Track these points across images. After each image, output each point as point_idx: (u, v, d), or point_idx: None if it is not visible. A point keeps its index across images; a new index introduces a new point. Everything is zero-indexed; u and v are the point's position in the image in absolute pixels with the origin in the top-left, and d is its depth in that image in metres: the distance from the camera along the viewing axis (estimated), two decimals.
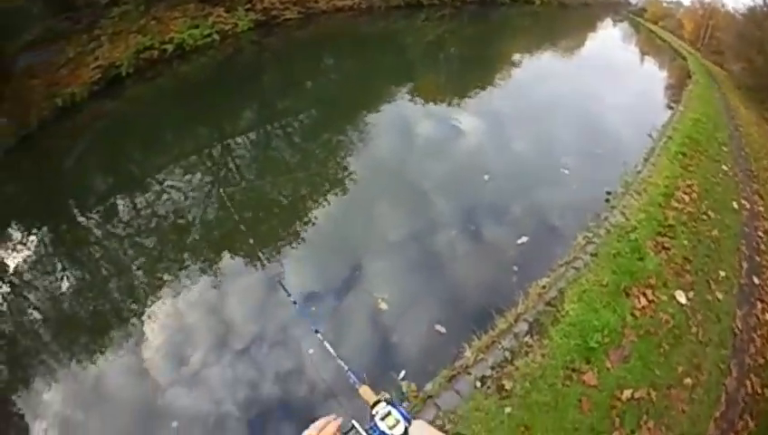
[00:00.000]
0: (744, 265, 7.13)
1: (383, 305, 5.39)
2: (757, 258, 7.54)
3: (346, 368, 2.03)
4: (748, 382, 5.05)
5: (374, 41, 22.83)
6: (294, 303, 2.85)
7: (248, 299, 5.72)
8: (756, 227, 8.52)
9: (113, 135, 10.72)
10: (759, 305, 6.38)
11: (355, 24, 24.22)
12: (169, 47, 14.75)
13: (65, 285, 6.11)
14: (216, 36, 16.75)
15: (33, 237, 7.18)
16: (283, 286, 4.51)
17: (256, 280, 6.00)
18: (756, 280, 6.89)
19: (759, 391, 5.03)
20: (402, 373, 4.33)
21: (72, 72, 12.07)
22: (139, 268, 6.26)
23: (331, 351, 2.14)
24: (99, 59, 12.70)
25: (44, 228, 7.41)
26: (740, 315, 5.94)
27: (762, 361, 5.47)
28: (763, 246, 7.97)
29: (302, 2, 22.26)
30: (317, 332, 2.35)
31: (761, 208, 9.46)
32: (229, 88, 13.75)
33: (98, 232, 7.24)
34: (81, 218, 7.61)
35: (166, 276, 6.01)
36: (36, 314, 5.78)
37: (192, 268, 6.13)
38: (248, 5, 19.25)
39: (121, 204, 7.88)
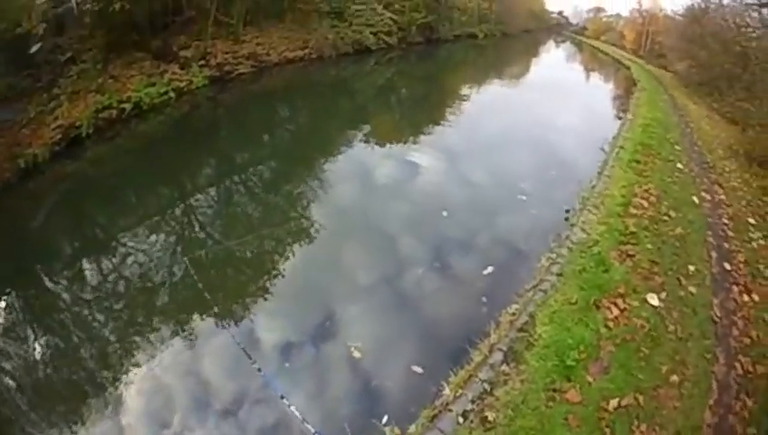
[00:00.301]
0: (714, 254, 7.46)
1: (357, 354, 5.51)
2: (726, 245, 7.89)
3: (313, 431, 2.21)
4: (738, 364, 5.24)
5: (327, 89, 23.87)
6: (259, 371, 3.02)
7: (221, 361, 5.73)
8: (720, 216, 8.94)
9: (77, 197, 10.75)
10: (735, 289, 6.64)
11: (307, 74, 25.25)
12: (127, 106, 15.00)
13: (38, 352, 6.09)
14: (171, 94, 17.13)
15: (1, 303, 7.12)
16: (247, 353, 4.62)
17: (228, 342, 5.97)
18: (728, 266, 7.20)
19: (751, 369, 5.22)
20: (385, 419, 4.42)
21: (33, 131, 12.09)
22: (109, 334, 6.28)
23: (297, 415, 2.33)
24: (59, 118, 12.78)
25: (13, 293, 7.37)
26: (717, 303, 6.20)
27: (747, 341, 5.67)
28: (730, 232, 8.34)
29: (255, 56, 23.31)
30: (283, 398, 2.53)
31: (722, 197, 9.94)
32: (188, 145, 14.12)
33: (66, 297, 7.25)
34: (49, 284, 7.60)
35: (136, 343, 6.03)
36: (11, 383, 5.72)
37: (162, 333, 6.16)
38: (202, 62, 20.03)
39: (88, 268, 7.92)
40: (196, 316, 6.43)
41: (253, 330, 6.18)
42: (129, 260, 7.99)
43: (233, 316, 6.42)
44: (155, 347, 5.94)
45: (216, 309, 6.51)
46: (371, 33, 31.39)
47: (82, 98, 13.98)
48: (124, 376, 5.55)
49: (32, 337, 6.42)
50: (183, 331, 6.18)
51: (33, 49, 13.11)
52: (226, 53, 21.85)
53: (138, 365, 5.67)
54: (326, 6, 29.31)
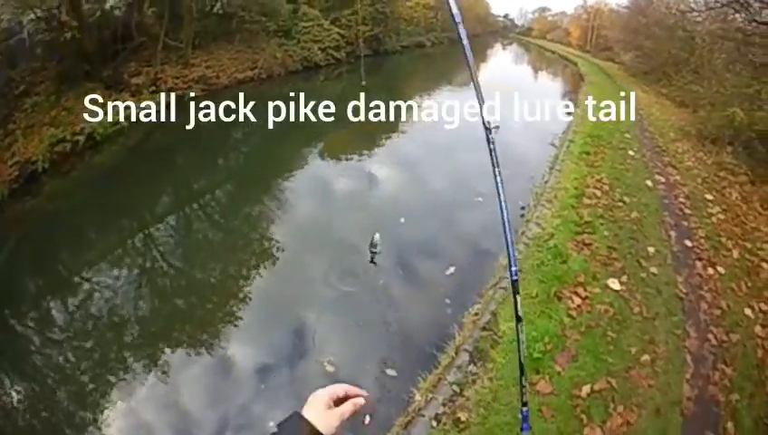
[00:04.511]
0: (673, 233, 7.97)
1: (330, 368, 5.69)
2: (685, 223, 8.44)
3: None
4: (711, 336, 5.61)
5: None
6: None
7: (197, 388, 5.88)
8: (676, 196, 9.56)
9: (38, 236, 10.63)
10: (699, 264, 7.11)
11: (258, 93, 25.49)
12: (81, 138, 15.01)
13: (15, 398, 6.06)
14: (124, 122, 17.17)
15: None
16: None
17: (202, 368, 6.17)
18: (689, 243, 7.70)
19: (725, 338, 5.59)
20: (367, 419, 4.57)
21: None
22: (82, 373, 6.30)
23: None
24: (15, 155, 12.78)
25: None
26: (681, 281, 6.60)
27: (718, 312, 6.07)
28: (687, 210, 8.94)
29: (204, 79, 23.71)
30: None
31: (677, 177, 10.64)
32: (144, 174, 14.15)
33: (37, 340, 7.26)
34: (18, 328, 7.55)
35: (109, 379, 6.08)
36: None
37: (135, 367, 6.23)
38: (153, 87, 20.33)
39: (55, 308, 7.94)
40: (166, 348, 6.53)
41: (225, 356, 6.30)
42: (95, 296, 8.01)
43: (203, 345, 6.54)
44: (128, 382, 6.00)
45: (185, 338, 6.69)
46: (319, 49, 32.25)
47: (37, 132, 14.07)
48: (101, 414, 5.60)
49: (8, 384, 6.36)
50: (154, 364, 6.25)
51: None
52: (176, 77, 22.27)
53: (114, 402, 5.73)
54: (273, 25, 29.99)
